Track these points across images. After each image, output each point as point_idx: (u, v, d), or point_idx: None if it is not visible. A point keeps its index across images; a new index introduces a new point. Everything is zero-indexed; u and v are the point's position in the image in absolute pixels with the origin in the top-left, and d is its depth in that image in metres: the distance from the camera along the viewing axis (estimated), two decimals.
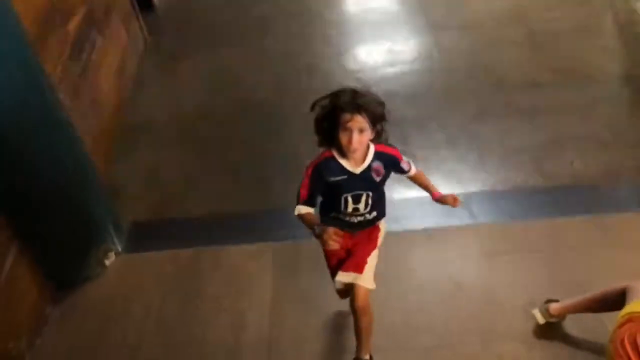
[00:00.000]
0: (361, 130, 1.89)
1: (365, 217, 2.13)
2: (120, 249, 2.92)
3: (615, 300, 2.10)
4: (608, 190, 3.12)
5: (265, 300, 2.54)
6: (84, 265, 2.77)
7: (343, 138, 1.90)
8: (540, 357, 2.26)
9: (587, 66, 4.02)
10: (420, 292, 2.50)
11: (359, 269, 2.11)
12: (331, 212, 2.13)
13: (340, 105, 1.89)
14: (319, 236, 1.91)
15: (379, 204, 2.12)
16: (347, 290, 2.17)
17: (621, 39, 4.42)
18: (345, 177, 2.01)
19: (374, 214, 2.13)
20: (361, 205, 2.08)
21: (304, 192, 2.03)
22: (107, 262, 2.85)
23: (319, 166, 2.01)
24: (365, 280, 2.11)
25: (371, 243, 2.20)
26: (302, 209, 2.02)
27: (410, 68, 4.21)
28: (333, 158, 2.00)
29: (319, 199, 2.11)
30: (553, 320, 2.32)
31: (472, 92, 3.89)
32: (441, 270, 2.65)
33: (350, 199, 2.06)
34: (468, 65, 4.14)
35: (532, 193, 3.13)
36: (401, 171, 2.12)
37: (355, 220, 2.13)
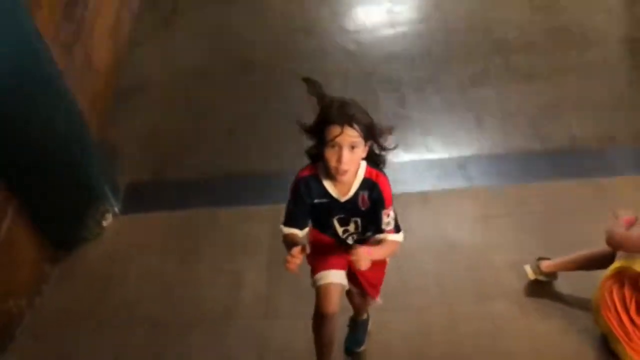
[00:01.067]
0: (352, 147, 1.62)
1: (360, 237, 1.89)
2: (117, 210, 2.93)
3: (605, 259, 2.15)
4: (605, 154, 3.13)
5: (262, 261, 2.56)
6: (82, 226, 2.78)
7: (331, 157, 1.64)
8: (533, 315, 2.30)
9: (587, 28, 3.97)
10: (415, 254, 2.52)
11: (374, 294, 2.06)
12: (325, 231, 1.91)
13: (328, 117, 1.62)
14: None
15: (373, 224, 1.83)
16: (333, 292, 1.94)
17: (622, 1, 4.36)
18: (328, 201, 1.78)
19: (369, 233, 1.87)
20: (351, 227, 1.87)
21: (288, 211, 1.81)
22: (104, 223, 2.86)
23: (299, 186, 1.77)
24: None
25: (380, 270, 2.01)
26: (285, 229, 1.80)
27: (410, 29, 4.15)
28: (315, 177, 1.76)
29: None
30: (543, 278, 2.37)
31: (471, 54, 3.84)
32: (436, 233, 2.68)
33: (336, 222, 1.85)
34: (467, 27, 4.08)
35: (529, 156, 3.13)
36: (376, 224, 1.79)
37: (351, 241, 1.90)
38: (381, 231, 1.77)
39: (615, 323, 2.02)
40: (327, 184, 1.75)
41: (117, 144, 3.37)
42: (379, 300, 2.09)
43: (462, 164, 3.09)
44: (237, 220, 2.82)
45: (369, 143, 1.68)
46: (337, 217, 1.82)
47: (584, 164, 3.04)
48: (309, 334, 1.91)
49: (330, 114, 1.62)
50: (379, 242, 1.76)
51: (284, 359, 2.23)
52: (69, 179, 2.64)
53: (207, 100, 3.68)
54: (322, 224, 1.88)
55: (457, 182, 2.97)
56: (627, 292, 2.00)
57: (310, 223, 1.88)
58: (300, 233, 1.79)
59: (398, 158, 2.92)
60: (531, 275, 2.37)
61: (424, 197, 2.85)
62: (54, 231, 2.69)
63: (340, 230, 1.86)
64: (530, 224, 2.69)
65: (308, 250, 1.57)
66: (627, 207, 2.27)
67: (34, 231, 2.55)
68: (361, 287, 2.02)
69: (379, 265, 1.94)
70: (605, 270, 2.11)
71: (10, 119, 2.31)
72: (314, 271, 1.93)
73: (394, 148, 1.75)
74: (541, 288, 2.38)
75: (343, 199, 1.76)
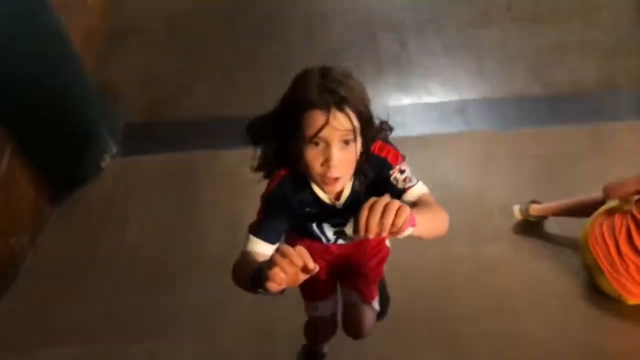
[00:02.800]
0: (345, 142, 1.15)
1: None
2: (115, 152, 2.92)
3: (594, 206, 2.18)
4: (606, 99, 3.11)
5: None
6: (80, 167, 2.79)
7: (313, 159, 1.17)
8: (525, 255, 2.35)
9: None
10: None
11: (368, 296, 1.70)
12: (307, 237, 1.51)
13: (304, 97, 1.13)
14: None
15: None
16: (330, 322, 1.79)
17: None
18: (318, 210, 1.35)
19: None
20: (347, 228, 1.41)
21: (259, 219, 1.29)
22: (102, 165, 2.86)
23: (275, 194, 1.30)
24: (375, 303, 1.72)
25: (380, 264, 1.71)
26: (251, 242, 1.26)
27: None
28: (298, 179, 1.28)
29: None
30: (531, 219, 2.41)
31: None
32: (435, 176, 2.67)
33: (328, 228, 1.46)
34: None
35: (529, 101, 3.12)
36: (391, 187, 1.29)
37: (342, 241, 1.54)
38: (401, 192, 1.28)
39: (601, 254, 2.06)
40: (317, 188, 1.30)
41: (113, 85, 3.33)
42: (375, 304, 1.73)
43: (461, 107, 3.07)
44: (236, 162, 2.81)
45: (368, 132, 1.21)
46: (330, 222, 1.43)
47: (585, 109, 3.03)
48: None
49: (308, 92, 1.13)
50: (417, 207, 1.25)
51: (284, 298, 2.27)
52: (66, 119, 2.62)
53: (204, 41, 3.61)
54: (305, 231, 1.47)
55: (456, 126, 2.96)
56: (617, 221, 2.03)
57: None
58: (268, 250, 1.24)
59: (397, 101, 2.90)
60: (517, 215, 2.42)
61: (423, 141, 2.84)
62: (53, 172, 2.70)
63: (330, 233, 1.48)
64: (528, 169, 2.70)
65: (316, 269, 0.92)
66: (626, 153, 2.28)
67: (32, 171, 2.56)
68: (357, 288, 1.69)
69: (380, 257, 1.70)
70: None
71: (3, 60, 2.27)
72: (301, 294, 1.70)
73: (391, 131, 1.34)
74: (534, 229, 2.43)
75: (340, 203, 1.33)
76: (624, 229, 2.01)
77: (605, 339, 2.05)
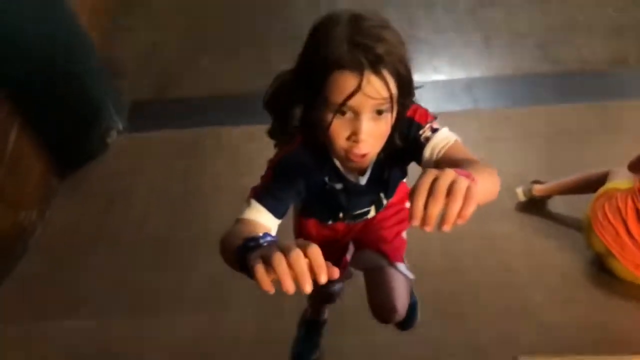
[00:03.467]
0: (378, 112, 0.98)
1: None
2: (121, 128, 2.93)
3: (597, 183, 2.17)
4: (614, 77, 3.08)
5: None
6: (87, 143, 2.80)
7: (338, 131, 1.00)
8: (530, 234, 2.36)
9: None
10: (417, 176, 2.55)
11: (392, 255, 1.50)
12: (325, 221, 1.41)
13: (331, 54, 0.93)
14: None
15: (403, 172, 1.30)
16: (337, 294, 1.72)
17: None
18: (341, 186, 1.19)
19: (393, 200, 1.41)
20: (372, 209, 1.36)
21: (265, 185, 1.10)
22: (109, 141, 2.87)
23: (289, 162, 1.12)
24: (404, 268, 1.51)
25: (401, 223, 1.53)
26: (252, 209, 1.06)
27: None
28: (317, 150, 1.11)
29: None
30: (535, 198, 2.41)
31: None
32: None
33: (348, 215, 1.34)
34: None
35: (537, 79, 3.09)
36: (419, 149, 1.09)
37: (362, 220, 1.42)
38: (427, 140, 1.08)
39: (609, 239, 2.04)
40: (338, 162, 1.14)
41: (119, 61, 3.32)
42: (403, 268, 1.50)
43: (468, 85, 3.06)
44: (241, 139, 2.82)
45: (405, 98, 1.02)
46: (351, 202, 1.27)
47: (593, 87, 3.00)
48: None
49: (334, 48, 0.93)
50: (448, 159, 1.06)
51: None
52: (72, 95, 2.62)
53: (209, 17, 3.59)
54: (314, 210, 1.35)
55: (463, 104, 2.95)
56: (621, 202, 2.01)
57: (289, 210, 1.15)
58: (271, 222, 1.06)
59: None
60: (521, 197, 2.42)
61: None
62: (60, 147, 2.71)
63: (355, 213, 1.34)
64: (535, 147, 2.69)
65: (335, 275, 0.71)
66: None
67: (40, 147, 2.57)
68: (378, 250, 1.51)
69: (399, 227, 1.51)
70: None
71: (9, 35, 2.26)
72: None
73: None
74: (540, 208, 2.43)
75: (364, 180, 1.18)
76: (630, 210, 1.99)
77: (606, 316, 2.06)
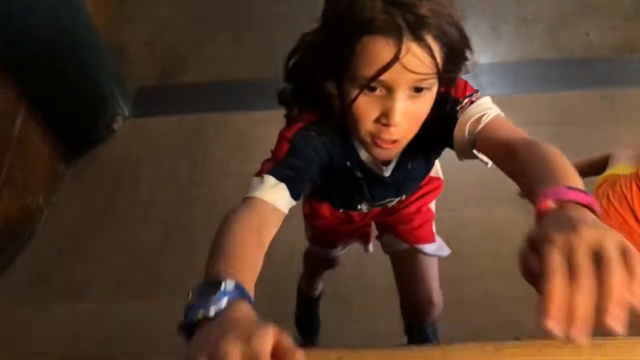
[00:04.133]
0: (418, 90, 0.81)
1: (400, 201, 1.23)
2: (127, 113, 2.94)
3: (599, 166, 2.16)
4: (621, 64, 3.05)
5: None
6: (92, 128, 2.81)
7: (366, 112, 0.83)
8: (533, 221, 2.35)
9: None
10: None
11: (421, 235, 1.33)
12: (339, 208, 1.25)
13: (362, 16, 0.76)
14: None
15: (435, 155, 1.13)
16: (337, 260, 1.58)
17: None
18: (360, 174, 1.02)
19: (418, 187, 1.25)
20: (394, 201, 1.20)
21: (276, 157, 0.93)
22: (115, 126, 2.88)
23: (309, 134, 0.93)
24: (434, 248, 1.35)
25: (427, 195, 1.33)
26: (266, 184, 0.88)
27: None
28: (334, 130, 0.94)
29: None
30: None
31: None
32: None
33: (365, 205, 1.20)
34: None
35: (543, 65, 3.07)
36: (451, 125, 0.91)
37: (384, 208, 1.25)
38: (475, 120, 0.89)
39: (616, 226, 2.02)
40: (359, 146, 0.97)
41: (124, 47, 3.32)
42: (433, 247, 1.36)
43: (474, 71, 3.03)
44: (247, 124, 2.82)
45: (452, 69, 0.85)
46: (371, 193, 1.09)
47: (601, 74, 2.98)
48: None
49: (364, 6, 0.76)
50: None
51: (294, 254, 2.30)
52: (78, 81, 2.62)
53: (213, 2, 3.56)
54: (338, 200, 1.20)
55: None
56: (625, 189, 1.98)
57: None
58: (284, 204, 0.88)
59: None
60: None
61: None
62: (66, 132, 2.72)
63: (365, 207, 1.20)
64: (542, 134, 2.67)
65: None
66: None
67: (46, 132, 2.59)
68: (401, 236, 1.34)
69: (422, 200, 1.31)
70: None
71: (16, 19, 2.26)
72: (308, 238, 1.46)
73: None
74: None
75: (388, 170, 1.02)
76: (636, 195, 1.96)
77: None
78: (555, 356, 0.76)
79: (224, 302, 0.61)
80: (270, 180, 0.88)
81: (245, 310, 0.59)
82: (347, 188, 1.08)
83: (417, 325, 1.38)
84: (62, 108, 2.63)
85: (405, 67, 0.76)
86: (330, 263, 1.63)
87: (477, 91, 0.95)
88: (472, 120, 0.89)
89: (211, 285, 0.63)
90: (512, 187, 2.51)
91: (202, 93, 3.12)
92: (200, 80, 3.17)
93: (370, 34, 0.76)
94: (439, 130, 0.92)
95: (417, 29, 0.75)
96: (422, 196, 1.31)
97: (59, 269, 2.36)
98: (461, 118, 0.90)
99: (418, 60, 0.77)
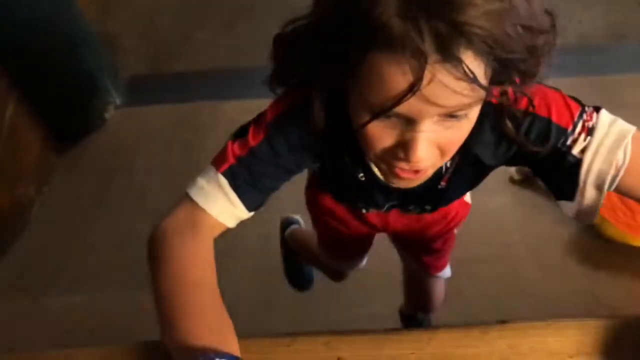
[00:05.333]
0: (453, 116, 0.59)
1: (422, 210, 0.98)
2: (118, 102, 2.91)
3: None
4: (613, 51, 3.06)
5: None
6: (84, 118, 2.79)
7: (378, 137, 0.63)
8: (527, 208, 2.36)
9: None
10: None
11: (436, 269, 1.32)
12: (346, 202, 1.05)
13: (373, 22, 0.53)
14: None
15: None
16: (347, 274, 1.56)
17: None
18: (364, 177, 0.82)
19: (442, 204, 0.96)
20: (412, 208, 0.97)
21: (243, 154, 0.78)
22: (106, 115, 2.86)
23: (295, 118, 0.75)
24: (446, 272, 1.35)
25: (450, 237, 1.26)
26: (210, 198, 0.79)
27: None
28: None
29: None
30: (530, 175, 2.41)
31: None
32: None
33: (379, 204, 0.95)
34: None
35: None
36: (567, 169, 0.71)
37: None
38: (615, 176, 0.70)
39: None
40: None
41: (115, 36, 3.29)
42: (445, 272, 1.36)
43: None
44: (240, 113, 2.77)
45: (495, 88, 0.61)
46: (380, 199, 0.91)
47: (591, 62, 2.98)
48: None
49: (380, 5, 0.53)
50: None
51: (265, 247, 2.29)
52: (69, 70, 2.60)
53: None
54: (337, 194, 1.01)
55: None
56: None
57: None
58: (235, 214, 0.78)
59: None
60: (516, 176, 2.41)
61: None
62: (57, 123, 2.70)
63: (385, 207, 0.95)
64: None
65: None
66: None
67: (37, 122, 2.57)
68: (420, 261, 1.30)
69: (452, 232, 1.23)
70: None
71: (5, 10, 2.24)
72: (323, 248, 1.32)
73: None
74: (537, 182, 2.44)
75: (413, 183, 0.80)
76: None
77: (599, 286, 2.09)
78: (539, 337, 0.78)
79: None
80: (225, 187, 0.76)
81: None
82: (345, 186, 0.88)
83: (415, 315, 1.46)
84: (53, 98, 2.61)
85: (428, 100, 0.55)
86: (338, 276, 1.58)
87: (583, 106, 0.72)
88: (603, 170, 0.67)
89: None
90: (502, 174, 2.54)
91: (194, 81, 3.10)
92: (192, 69, 3.15)
93: (378, 49, 0.54)
94: (518, 161, 0.73)
95: (449, 45, 0.51)
96: (452, 220, 1.18)
97: (51, 261, 2.35)
98: (587, 158, 0.68)
99: (448, 89, 0.54)
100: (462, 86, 0.54)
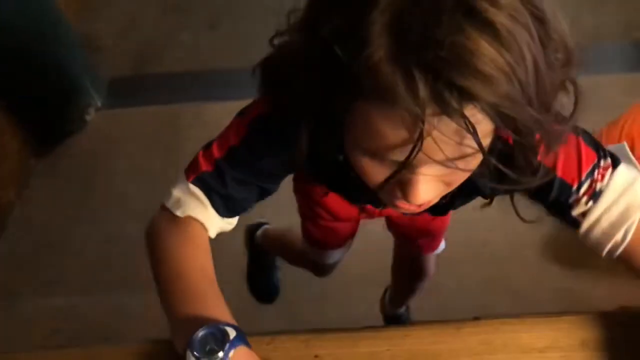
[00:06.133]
0: (459, 157, 0.53)
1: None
2: (99, 104, 2.90)
3: None
4: (589, 52, 3.10)
5: None
6: (65, 121, 2.76)
7: (373, 173, 0.58)
8: (507, 206, 2.39)
9: None
10: None
11: (429, 248, 1.37)
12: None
13: (361, 67, 0.47)
14: None
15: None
16: (330, 268, 1.49)
17: None
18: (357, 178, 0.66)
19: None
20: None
21: (219, 158, 0.78)
22: (87, 118, 2.84)
23: (278, 121, 0.70)
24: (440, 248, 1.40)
25: (446, 219, 1.27)
26: (186, 204, 0.80)
27: None
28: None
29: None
30: None
31: None
32: None
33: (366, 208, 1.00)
34: None
35: None
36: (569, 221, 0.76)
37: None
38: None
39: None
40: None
41: (95, 37, 3.26)
42: (441, 247, 1.41)
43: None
44: (222, 114, 2.75)
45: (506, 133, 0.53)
46: (372, 200, 0.89)
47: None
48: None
49: (370, 43, 0.47)
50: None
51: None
52: (49, 72, 2.58)
53: None
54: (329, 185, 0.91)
55: None
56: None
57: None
58: (213, 221, 0.79)
59: None
60: None
61: None
62: (37, 125, 2.68)
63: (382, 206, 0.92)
64: None
65: None
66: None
67: (16, 124, 2.55)
68: (413, 245, 1.33)
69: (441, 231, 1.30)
70: None
71: None
72: (306, 238, 1.27)
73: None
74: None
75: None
76: None
77: (579, 284, 2.12)
78: (512, 333, 0.80)
79: (230, 353, 0.63)
80: (194, 191, 0.77)
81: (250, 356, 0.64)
82: (339, 183, 0.83)
83: (400, 303, 1.48)
84: (31, 100, 2.59)
85: (425, 153, 0.50)
86: (323, 270, 1.49)
87: (599, 158, 0.67)
88: (603, 230, 0.67)
89: (215, 336, 0.64)
90: None
91: (176, 83, 3.09)
92: (174, 70, 3.14)
93: (369, 99, 0.49)
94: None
95: (449, 100, 0.46)
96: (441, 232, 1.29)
97: (32, 264, 2.33)
98: (586, 224, 0.68)
99: (448, 142, 0.49)
100: (464, 136, 0.49)
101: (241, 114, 0.80)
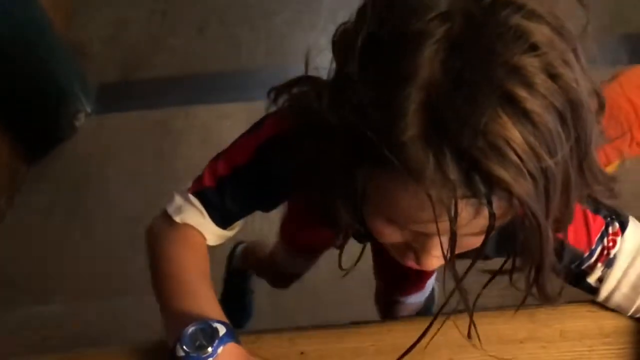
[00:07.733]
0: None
1: None
2: (89, 110, 2.90)
3: None
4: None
5: None
6: (54, 127, 2.77)
7: (386, 235, 0.60)
8: None
9: None
10: None
11: (423, 285, 1.25)
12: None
13: (387, 141, 0.47)
14: None
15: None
16: (294, 277, 1.46)
17: None
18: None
19: None
20: None
21: (223, 175, 0.82)
22: (77, 124, 2.85)
23: (286, 144, 0.66)
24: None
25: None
26: (186, 213, 0.84)
27: None
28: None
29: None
30: None
31: None
32: None
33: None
34: None
35: None
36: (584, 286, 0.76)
37: None
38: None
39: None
40: None
41: (84, 43, 3.27)
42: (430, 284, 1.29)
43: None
44: (213, 117, 2.82)
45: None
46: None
47: None
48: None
49: (399, 122, 0.46)
50: None
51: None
52: (37, 79, 2.58)
53: None
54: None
55: None
56: None
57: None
58: (212, 231, 0.83)
59: None
60: None
61: None
62: (27, 132, 2.67)
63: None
64: None
65: None
66: None
67: (6, 131, 2.55)
68: (394, 285, 1.26)
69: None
70: None
71: None
72: (281, 234, 1.26)
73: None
74: None
75: None
76: None
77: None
78: (491, 325, 0.83)
79: (219, 349, 0.65)
80: (194, 202, 0.83)
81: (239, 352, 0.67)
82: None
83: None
84: (20, 107, 2.58)
85: (445, 228, 0.51)
86: (285, 280, 1.49)
87: (607, 223, 0.67)
88: (624, 294, 0.69)
89: (205, 332, 0.66)
90: None
91: (165, 87, 3.10)
92: (163, 75, 3.15)
93: (391, 172, 0.48)
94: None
95: (479, 188, 0.47)
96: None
97: (25, 271, 2.33)
98: (605, 290, 0.70)
99: (468, 220, 0.51)
100: (484, 214, 0.50)
101: (250, 131, 0.80)
